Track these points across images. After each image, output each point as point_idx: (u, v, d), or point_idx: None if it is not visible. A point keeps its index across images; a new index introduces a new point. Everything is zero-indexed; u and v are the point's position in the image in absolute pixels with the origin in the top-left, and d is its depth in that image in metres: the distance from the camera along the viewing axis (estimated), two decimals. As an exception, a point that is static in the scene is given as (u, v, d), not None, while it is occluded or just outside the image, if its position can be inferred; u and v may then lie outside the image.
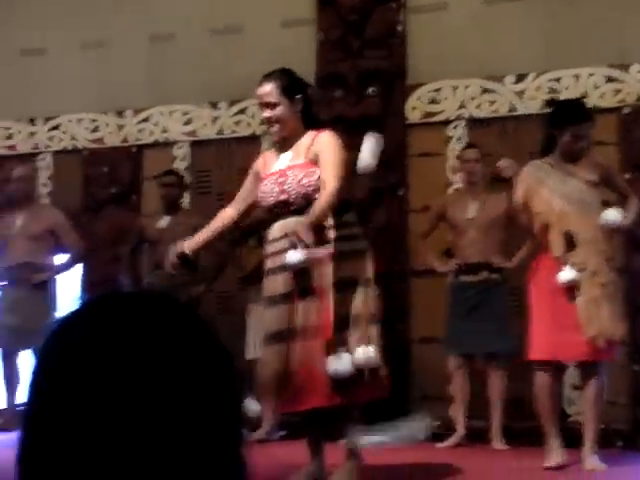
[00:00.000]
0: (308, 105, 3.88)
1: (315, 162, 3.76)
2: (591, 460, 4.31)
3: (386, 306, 6.26)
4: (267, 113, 3.81)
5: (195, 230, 6.08)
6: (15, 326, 6.16)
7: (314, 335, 3.59)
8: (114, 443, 0.84)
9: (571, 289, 4.32)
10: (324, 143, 3.76)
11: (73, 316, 0.93)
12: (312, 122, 3.89)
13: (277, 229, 3.77)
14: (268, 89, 3.81)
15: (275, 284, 3.71)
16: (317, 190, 3.71)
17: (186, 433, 0.86)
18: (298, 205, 3.73)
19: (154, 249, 6.14)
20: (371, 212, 6.43)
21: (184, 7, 7.17)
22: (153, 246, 6.16)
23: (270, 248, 3.79)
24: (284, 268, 3.63)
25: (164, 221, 6.23)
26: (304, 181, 3.73)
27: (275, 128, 3.83)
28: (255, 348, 5.30)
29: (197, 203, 6.92)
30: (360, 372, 3.59)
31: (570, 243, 4.35)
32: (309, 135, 3.84)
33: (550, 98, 5.01)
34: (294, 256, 3.55)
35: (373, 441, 5.63)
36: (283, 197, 3.74)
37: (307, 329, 3.61)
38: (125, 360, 0.86)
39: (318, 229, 3.62)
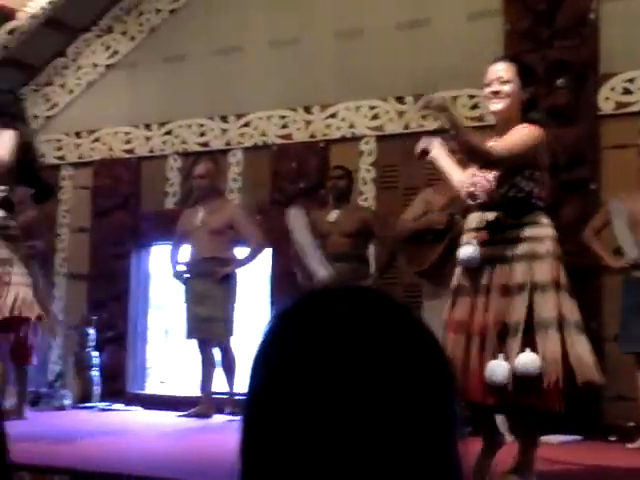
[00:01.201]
0: (529, 106, 3.82)
1: None
2: None
3: (578, 304, 6.14)
4: (495, 87, 3.75)
5: (362, 223, 6.19)
6: (204, 317, 6.43)
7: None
8: (334, 438, 0.84)
9: None
10: (516, 128, 3.72)
11: (292, 310, 0.94)
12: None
13: (470, 220, 3.79)
14: (504, 66, 3.79)
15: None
16: (501, 185, 3.70)
17: (405, 430, 0.86)
18: (485, 198, 3.72)
19: (324, 242, 6.22)
20: (561, 207, 6.27)
21: (371, 2, 7.23)
22: (323, 239, 6.25)
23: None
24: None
25: (333, 214, 6.31)
26: (489, 176, 3.72)
27: (500, 104, 3.75)
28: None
29: (382, 198, 6.96)
30: (521, 378, 3.50)
31: None
32: (518, 127, 3.76)
33: None
34: (469, 252, 3.59)
35: (561, 440, 5.52)
36: (472, 189, 3.76)
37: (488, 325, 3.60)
38: (346, 355, 0.87)
39: (498, 228, 3.61)
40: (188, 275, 6.66)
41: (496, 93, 3.74)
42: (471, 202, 3.79)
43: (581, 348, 3.56)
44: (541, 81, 6.47)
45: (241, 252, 6.72)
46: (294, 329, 0.91)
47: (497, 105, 3.75)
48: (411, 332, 0.92)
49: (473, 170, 3.78)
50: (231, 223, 6.60)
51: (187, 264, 6.69)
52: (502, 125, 3.80)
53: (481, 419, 3.81)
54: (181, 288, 6.76)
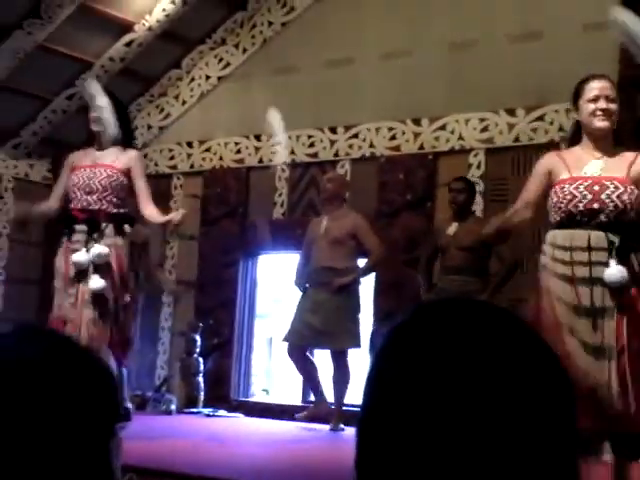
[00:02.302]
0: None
1: (636, 182, 3.72)
2: None
3: None
4: (604, 104, 3.77)
5: (478, 236, 6.11)
6: (315, 326, 6.43)
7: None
8: (450, 451, 0.84)
9: None
10: None
11: (408, 323, 0.94)
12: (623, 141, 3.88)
13: (574, 238, 3.68)
14: (609, 84, 3.85)
15: (585, 295, 3.62)
16: (630, 210, 3.66)
17: (524, 448, 0.85)
18: (608, 219, 3.64)
19: (444, 255, 6.19)
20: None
21: (485, 13, 7.18)
22: (443, 252, 6.21)
23: (569, 256, 3.67)
24: (597, 281, 3.56)
25: (452, 227, 6.27)
26: (624, 197, 3.67)
27: (607, 122, 3.78)
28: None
29: (491, 211, 6.88)
30: None
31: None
32: (627, 152, 3.80)
33: None
34: (618, 273, 3.52)
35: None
36: (596, 206, 3.66)
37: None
38: (462, 367, 0.86)
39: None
40: (307, 284, 6.66)
41: (604, 110, 3.75)
42: (582, 218, 3.70)
43: None
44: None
45: (362, 263, 6.66)
46: (410, 342, 0.91)
47: (605, 122, 3.78)
48: (530, 347, 0.91)
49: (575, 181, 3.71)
50: (353, 232, 6.57)
51: (308, 273, 6.69)
52: (601, 146, 3.80)
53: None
54: (295, 297, 6.79)
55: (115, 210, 4.93)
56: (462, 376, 0.86)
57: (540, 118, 6.88)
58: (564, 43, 6.78)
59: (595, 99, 3.77)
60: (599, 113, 3.76)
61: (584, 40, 6.71)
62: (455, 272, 6.09)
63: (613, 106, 3.77)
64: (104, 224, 4.88)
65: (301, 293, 6.68)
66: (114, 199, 4.93)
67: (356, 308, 6.54)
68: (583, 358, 3.55)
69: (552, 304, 3.64)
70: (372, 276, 7.12)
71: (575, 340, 3.58)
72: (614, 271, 3.55)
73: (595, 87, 3.80)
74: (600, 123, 3.77)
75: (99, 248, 4.80)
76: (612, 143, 3.83)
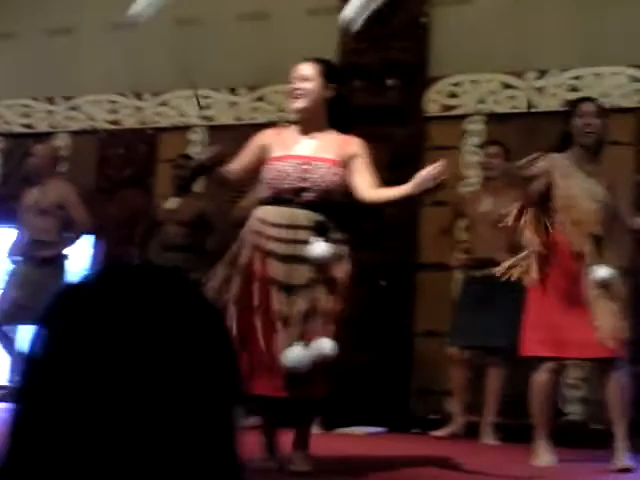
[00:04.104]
0: (340, 104, 3.90)
1: (344, 164, 3.78)
2: (623, 458, 4.25)
3: (393, 300, 6.32)
4: (297, 84, 3.82)
5: (202, 214, 6.14)
6: (19, 301, 6.17)
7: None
8: (112, 415, 0.83)
9: (579, 287, 4.28)
10: (360, 150, 3.80)
11: (73, 287, 0.92)
12: (338, 124, 3.89)
13: (281, 216, 3.74)
14: (307, 65, 3.87)
15: (287, 271, 3.68)
16: (338, 191, 3.75)
17: (183, 406, 0.85)
18: (314, 198, 3.72)
19: (162, 231, 6.13)
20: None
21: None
22: (161, 228, 6.15)
23: (274, 232, 3.74)
24: (301, 258, 3.64)
25: (173, 203, 6.23)
26: (333, 178, 3.74)
27: (300, 102, 3.82)
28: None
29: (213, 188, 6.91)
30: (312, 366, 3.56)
31: (596, 244, 4.32)
32: (338, 136, 3.85)
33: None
34: (321, 250, 3.60)
35: (364, 431, 5.67)
36: (304, 185, 3.73)
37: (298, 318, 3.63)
38: (125, 332, 0.85)
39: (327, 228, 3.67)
40: (18, 257, 6.39)
41: (296, 90, 3.82)
42: (289, 196, 3.80)
43: None
44: (373, 80, 6.61)
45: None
46: (73, 305, 0.89)
47: (299, 105, 3.83)
48: (195, 310, 0.91)
49: None
50: (61, 203, 6.33)
51: (17, 246, 6.42)
52: (312, 126, 3.85)
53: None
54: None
55: None
56: (121, 334, 0.85)
57: (261, 98, 6.98)
58: (288, 26, 6.90)
59: (292, 82, 3.85)
60: (292, 94, 3.84)
61: (308, 24, 6.86)
62: (173, 249, 6.05)
63: (307, 85, 3.80)
64: None
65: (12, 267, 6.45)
66: None
67: (63, 282, 6.36)
68: (262, 331, 3.62)
69: (249, 278, 3.69)
70: (88, 254, 6.95)
71: (264, 316, 3.64)
72: (318, 248, 3.64)
73: (294, 70, 3.87)
74: (292, 105, 3.86)
75: None
76: (325, 124, 3.90)
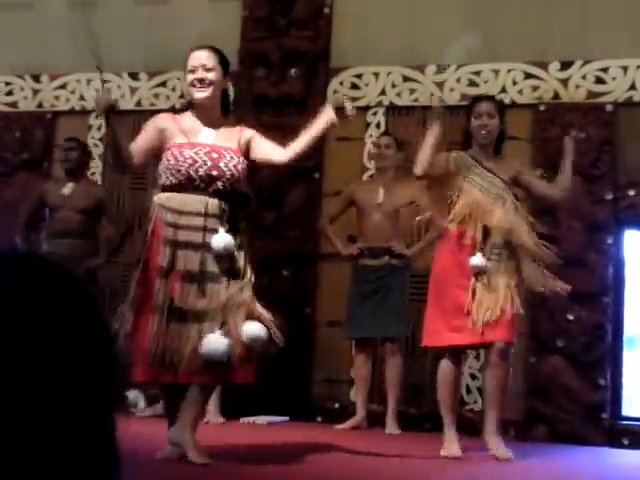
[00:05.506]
0: (227, 95, 3.99)
1: (244, 153, 3.82)
2: (498, 446, 4.37)
3: (295, 290, 6.34)
4: (200, 74, 3.80)
5: (97, 200, 6.02)
6: None
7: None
8: None
9: (468, 275, 4.38)
10: (253, 132, 3.89)
11: None
12: (227, 110, 3.98)
13: (191, 204, 3.70)
14: (207, 54, 3.85)
15: (195, 260, 3.65)
16: (242, 180, 3.77)
17: (51, 394, 0.82)
18: (224, 187, 3.71)
19: (55, 217, 6.00)
20: (286, 194, 6.42)
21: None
22: (54, 213, 6.02)
23: (182, 220, 3.69)
24: (209, 247, 3.63)
25: (67, 188, 6.09)
26: (238, 167, 3.75)
27: (205, 92, 3.80)
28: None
29: (114, 175, 6.79)
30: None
31: (486, 235, 4.42)
32: (233, 127, 3.91)
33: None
34: (223, 241, 3.60)
35: (268, 420, 5.69)
36: (215, 173, 3.71)
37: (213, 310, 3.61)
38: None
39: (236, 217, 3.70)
40: None
41: (201, 81, 3.80)
42: (200, 184, 3.77)
43: None
44: (275, 69, 6.60)
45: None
46: None
47: (204, 94, 3.81)
48: (71, 300, 0.88)
49: None
50: None
51: None
52: (208, 116, 3.85)
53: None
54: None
55: None
56: None
57: (162, 84, 6.90)
58: (189, 11, 6.83)
59: (193, 70, 3.82)
60: (196, 83, 3.80)
61: (209, 10, 6.81)
62: (66, 235, 5.92)
63: (211, 75, 3.80)
64: None
65: None
66: None
67: None
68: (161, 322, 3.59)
69: (154, 266, 3.65)
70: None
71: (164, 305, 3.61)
72: (220, 238, 3.63)
73: (193, 57, 3.85)
74: (198, 94, 3.82)
75: None
76: (220, 114, 3.90)
